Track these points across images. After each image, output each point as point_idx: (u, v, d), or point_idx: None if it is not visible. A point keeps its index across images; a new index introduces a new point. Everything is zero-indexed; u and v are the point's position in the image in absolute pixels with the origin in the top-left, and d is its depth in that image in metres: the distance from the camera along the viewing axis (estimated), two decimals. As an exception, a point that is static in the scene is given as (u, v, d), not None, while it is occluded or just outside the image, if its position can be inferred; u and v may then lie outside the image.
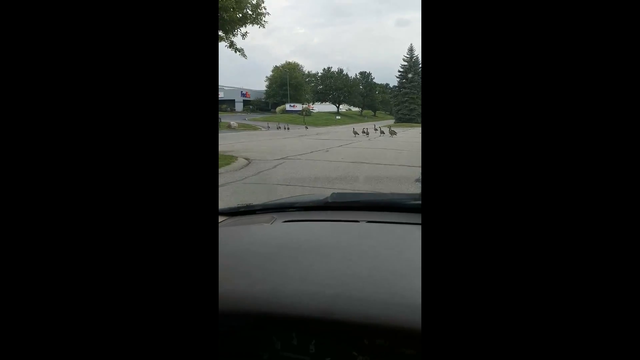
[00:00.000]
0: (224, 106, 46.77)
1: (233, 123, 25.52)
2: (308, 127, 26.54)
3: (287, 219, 1.04)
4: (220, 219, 1.11)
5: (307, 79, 53.86)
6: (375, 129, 17.42)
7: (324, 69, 56.12)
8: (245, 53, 10.50)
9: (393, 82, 48.32)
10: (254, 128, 25.46)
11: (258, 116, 38.84)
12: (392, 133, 16.62)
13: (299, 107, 44.49)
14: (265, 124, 25.97)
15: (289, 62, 52.00)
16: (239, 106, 49.69)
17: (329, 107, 54.66)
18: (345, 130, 17.60)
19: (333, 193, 1.15)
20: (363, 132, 16.69)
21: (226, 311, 0.60)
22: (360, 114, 57.53)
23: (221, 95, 49.42)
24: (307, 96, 51.91)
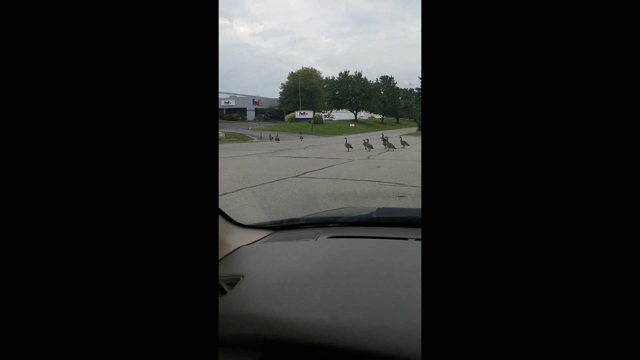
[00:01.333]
0: (235, 115, 43.17)
1: (219, 133, 21.46)
2: (304, 137, 22.01)
3: (332, 235, 1.01)
4: (264, 233, 1.11)
5: (324, 85, 49.51)
6: (383, 139, 12.32)
7: (340, 73, 51.74)
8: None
9: (418, 86, 43.23)
10: (245, 139, 21.31)
11: (263, 125, 34.79)
12: (392, 146, 11.43)
13: (310, 114, 40.22)
14: (269, 133, 21.88)
15: (306, 68, 47.91)
16: (250, 115, 46.03)
17: (350, 115, 50.14)
18: (351, 141, 12.97)
19: (378, 208, 1.15)
20: (364, 144, 11.94)
21: (279, 339, 0.59)
22: (382, 121, 52.63)
23: (232, 103, 45.98)
24: (324, 103, 47.59)
